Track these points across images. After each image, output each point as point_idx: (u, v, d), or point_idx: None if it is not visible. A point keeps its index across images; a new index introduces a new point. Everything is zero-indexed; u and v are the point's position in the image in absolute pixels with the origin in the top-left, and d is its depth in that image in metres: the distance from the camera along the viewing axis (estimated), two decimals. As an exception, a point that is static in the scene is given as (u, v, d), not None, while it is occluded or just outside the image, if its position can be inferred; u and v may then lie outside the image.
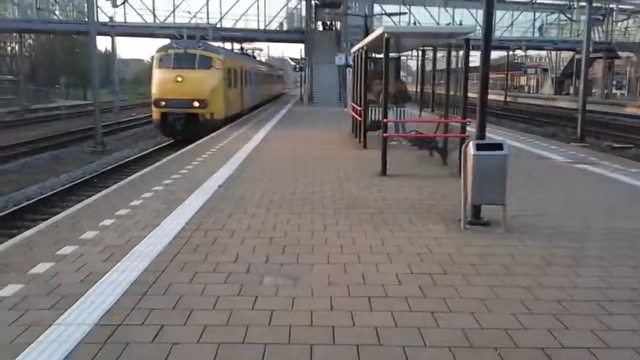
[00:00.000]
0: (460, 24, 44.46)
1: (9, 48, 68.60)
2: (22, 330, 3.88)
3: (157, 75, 20.72)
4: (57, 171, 16.17)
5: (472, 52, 11.31)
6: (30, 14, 43.28)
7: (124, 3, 29.73)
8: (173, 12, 43.36)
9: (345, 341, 3.77)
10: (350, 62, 26.08)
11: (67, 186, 13.34)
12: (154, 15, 42.66)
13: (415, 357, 3.57)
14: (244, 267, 5.22)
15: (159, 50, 21.27)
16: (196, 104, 19.84)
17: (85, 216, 7.08)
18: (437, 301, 4.46)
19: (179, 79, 19.88)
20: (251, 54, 41.37)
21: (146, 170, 11.03)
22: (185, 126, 19.87)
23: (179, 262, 5.31)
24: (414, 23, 46.07)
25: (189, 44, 21.75)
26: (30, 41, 67.30)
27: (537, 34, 52.19)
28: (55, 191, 12.72)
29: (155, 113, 20.38)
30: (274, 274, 5.03)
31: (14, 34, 55.13)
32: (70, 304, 4.32)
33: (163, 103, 19.90)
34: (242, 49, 39.76)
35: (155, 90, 20.49)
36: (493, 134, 16.61)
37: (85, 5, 43.36)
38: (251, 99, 30.26)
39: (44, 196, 12.19)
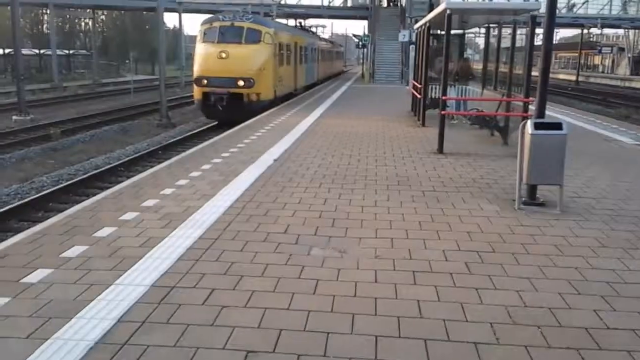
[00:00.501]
0: (531, -1, 42.82)
1: (83, 24, 71.53)
2: (84, 289, 4.17)
3: (200, 50, 18.77)
4: (124, 142, 16.90)
5: (539, 30, 10.94)
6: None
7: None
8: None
9: (386, 312, 3.84)
10: (414, 39, 25.75)
11: (132, 157, 13.91)
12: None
13: (456, 331, 3.60)
14: (293, 238, 5.35)
15: (204, 22, 19.28)
16: (241, 82, 17.86)
17: (148, 185, 7.42)
18: (482, 278, 4.44)
19: (223, 54, 17.89)
20: (309, 29, 38.82)
21: (203, 144, 11.36)
22: (228, 107, 17.80)
23: (231, 231, 5.51)
24: (482, -1, 44.81)
25: (236, 15, 19.48)
26: (103, 17, 69.86)
27: (614, 12, 49.37)
28: (121, 161, 13.31)
29: (197, 92, 18.45)
30: (322, 246, 5.15)
31: (88, 10, 57.25)
32: (130, 266, 4.59)
33: (205, 81, 18.00)
34: (300, 24, 37.48)
35: (196, 66, 18.61)
36: (561, 115, 16.05)
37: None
38: (307, 77, 28.48)
39: (110, 166, 12.78)
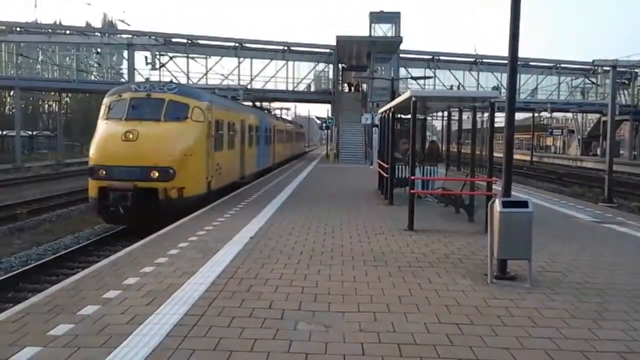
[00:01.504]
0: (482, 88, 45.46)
1: (47, 105, 71.72)
2: (75, 365, 4.17)
3: (100, 130, 13.84)
4: (92, 221, 16.75)
5: (497, 113, 11.74)
6: (69, 74, 45.42)
7: (161, 67, 31.00)
8: (206, 74, 45.10)
9: (377, 383, 3.97)
10: (376, 122, 26.86)
11: (102, 236, 13.77)
12: (188, 78, 44.39)
13: (445, 399, 3.74)
14: (278, 313, 5.47)
15: (110, 94, 14.69)
16: (155, 173, 12.91)
17: (126, 264, 7.45)
18: (464, 349, 4.64)
19: (130, 135, 12.99)
20: (262, 107, 33.95)
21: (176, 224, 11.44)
22: (135, 209, 12.74)
23: (216, 308, 5.60)
24: (440, 86, 47.35)
25: (155, 85, 14.90)
26: (67, 99, 70.27)
27: (562, 97, 52.72)
28: (90, 241, 13.16)
29: (91, 187, 13.32)
30: (307, 320, 5.27)
31: (53, 93, 57.74)
32: (119, 343, 4.62)
33: (102, 172, 13.01)
34: (254, 103, 33.25)
35: (92, 152, 13.52)
36: (520, 193, 16.77)
37: (122, 66, 45.59)
38: (259, 161, 24.63)
39: (80, 245, 12.63)
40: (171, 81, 19.47)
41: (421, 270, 7.32)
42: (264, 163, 26.48)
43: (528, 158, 58.83)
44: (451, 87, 48.25)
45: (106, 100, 14.48)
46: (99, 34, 42.07)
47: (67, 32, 45.61)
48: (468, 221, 11.56)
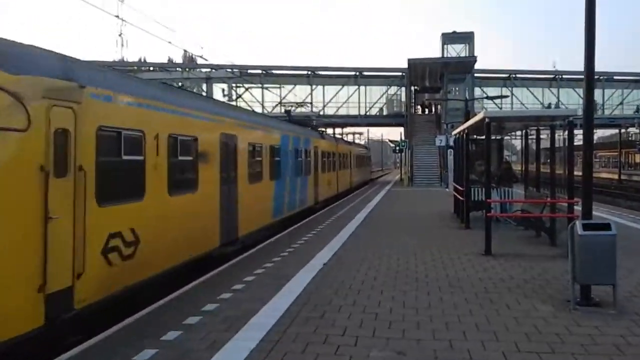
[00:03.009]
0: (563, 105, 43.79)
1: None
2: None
3: None
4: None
5: (578, 131, 11.32)
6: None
7: (237, 98, 32.22)
8: (280, 103, 46.26)
9: (452, 413, 3.89)
10: (451, 144, 26.43)
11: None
12: (263, 107, 45.70)
13: None
14: (352, 340, 5.48)
15: None
16: None
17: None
18: (545, 379, 4.46)
19: None
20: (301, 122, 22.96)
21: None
22: None
23: (291, 334, 5.68)
24: (518, 105, 46.07)
25: None
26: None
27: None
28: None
29: None
30: (380, 348, 5.25)
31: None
32: (198, 367, 4.79)
33: None
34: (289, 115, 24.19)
35: None
36: (606, 214, 15.95)
37: (204, 93, 47.46)
38: (277, 203, 15.26)
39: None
40: None
41: (499, 296, 7.11)
42: (290, 205, 16.85)
43: (616, 176, 55.73)
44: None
45: None
46: (179, 69, 44.22)
47: (151, 68, 48.28)
48: (550, 245, 11.11)
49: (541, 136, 14.15)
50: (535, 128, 13.62)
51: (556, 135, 12.13)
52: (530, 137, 15.13)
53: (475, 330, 5.75)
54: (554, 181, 11.64)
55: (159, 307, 6.92)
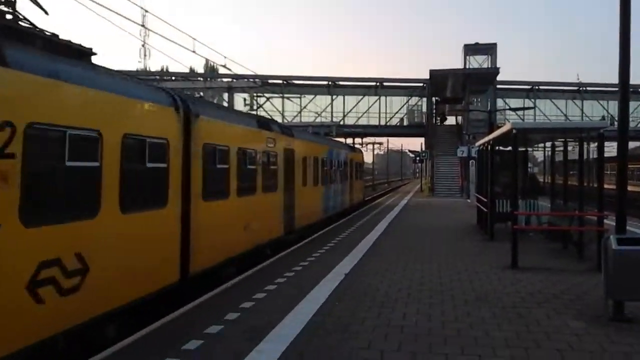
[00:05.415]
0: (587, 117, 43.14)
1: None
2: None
3: None
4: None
5: (606, 142, 11.05)
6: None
7: (258, 108, 32.35)
8: (300, 112, 46.33)
9: None
10: (473, 154, 26.12)
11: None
12: (283, 116, 45.76)
13: None
14: (377, 354, 5.33)
15: None
16: None
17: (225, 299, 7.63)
18: (582, 399, 4.27)
19: None
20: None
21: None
22: None
23: (315, 346, 5.55)
24: (541, 117, 45.48)
25: None
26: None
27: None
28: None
29: None
30: (408, 362, 5.10)
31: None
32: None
33: None
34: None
35: None
36: (635, 228, 15.57)
37: (225, 103, 47.84)
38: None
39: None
40: None
41: (528, 311, 6.89)
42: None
43: (641, 190, 54.64)
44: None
45: None
46: (201, 79, 44.52)
47: (173, 78, 48.69)
48: (577, 258, 10.83)
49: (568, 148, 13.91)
50: (563, 140, 13.37)
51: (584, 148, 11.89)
52: (557, 149, 14.86)
53: (505, 345, 5.56)
54: (582, 194, 11.38)
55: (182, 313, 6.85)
